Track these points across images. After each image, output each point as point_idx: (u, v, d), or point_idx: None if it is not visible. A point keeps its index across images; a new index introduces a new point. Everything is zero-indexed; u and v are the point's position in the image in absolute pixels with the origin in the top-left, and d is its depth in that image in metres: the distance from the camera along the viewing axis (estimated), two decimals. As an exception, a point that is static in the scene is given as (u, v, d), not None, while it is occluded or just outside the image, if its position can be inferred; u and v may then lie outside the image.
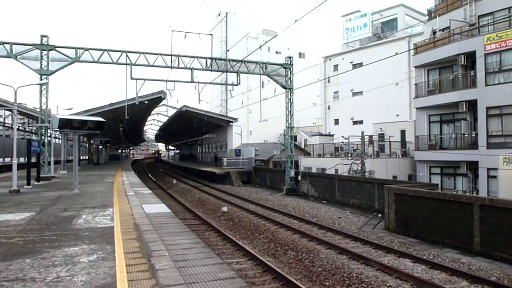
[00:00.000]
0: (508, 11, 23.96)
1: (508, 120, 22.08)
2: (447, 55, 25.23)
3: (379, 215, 19.26)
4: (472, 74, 23.97)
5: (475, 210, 12.19)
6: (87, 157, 57.02)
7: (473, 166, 23.58)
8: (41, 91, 23.91)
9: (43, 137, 24.61)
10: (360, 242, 13.58)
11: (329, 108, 51.61)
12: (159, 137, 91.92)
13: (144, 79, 26.52)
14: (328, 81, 49.87)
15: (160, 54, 25.99)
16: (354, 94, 47.60)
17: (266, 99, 32.55)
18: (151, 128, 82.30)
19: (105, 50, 25.00)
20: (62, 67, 24.15)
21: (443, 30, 27.19)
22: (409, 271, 10.13)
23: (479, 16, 25.27)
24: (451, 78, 25.61)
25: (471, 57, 23.90)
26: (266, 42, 28.93)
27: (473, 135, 23.95)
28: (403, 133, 32.53)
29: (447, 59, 25.52)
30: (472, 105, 23.61)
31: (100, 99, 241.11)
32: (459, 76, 24.73)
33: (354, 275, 9.72)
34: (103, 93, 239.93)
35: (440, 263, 10.85)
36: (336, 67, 50.19)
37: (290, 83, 29.43)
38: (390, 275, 9.83)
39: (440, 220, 13.54)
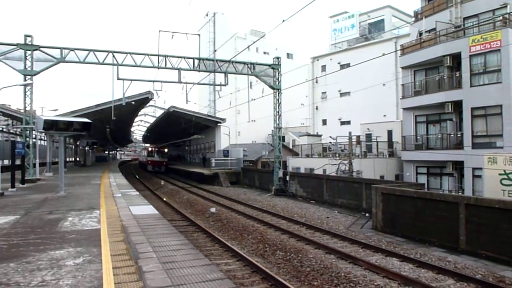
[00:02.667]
0: (492, 13, 24.33)
1: (492, 121, 22.41)
2: (433, 56, 25.51)
3: (367, 214, 19.39)
4: (457, 75, 24.28)
5: (460, 209, 12.34)
6: (73, 159, 56.42)
7: (458, 166, 23.88)
8: (25, 92, 23.56)
9: (27, 138, 24.26)
10: (348, 242, 13.65)
11: (317, 108, 51.81)
12: (146, 138, 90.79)
13: (131, 80, 26.35)
14: (316, 82, 50.07)
15: (147, 55, 25.82)
16: (342, 94, 47.86)
17: (254, 99, 32.58)
18: (138, 129, 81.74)
19: (91, 50, 24.75)
20: (47, 68, 23.84)
21: (429, 31, 27.50)
22: (396, 270, 10.21)
23: (465, 18, 25.62)
24: (437, 79, 25.90)
25: (456, 58, 24.20)
26: (253, 42, 28.91)
27: (459, 135, 24.25)
28: (390, 133, 32.82)
29: (433, 60, 25.80)
30: (457, 105, 23.91)
31: (86, 100, 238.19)
32: (445, 77, 25.03)
33: (342, 274, 9.75)
34: (89, 94, 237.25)
35: (427, 261, 10.95)
36: (324, 67, 50.41)
37: (278, 83, 29.49)
38: (378, 274, 9.89)
39: (427, 219, 13.68)
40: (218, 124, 45.30)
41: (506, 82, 21.72)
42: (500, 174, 13.57)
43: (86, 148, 57.41)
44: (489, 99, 22.25)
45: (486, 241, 11.53)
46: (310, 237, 14.12)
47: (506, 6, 23.33)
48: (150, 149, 61.74)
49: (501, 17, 23.02)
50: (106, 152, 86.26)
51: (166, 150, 60.56)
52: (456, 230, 12.41)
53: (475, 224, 11.92)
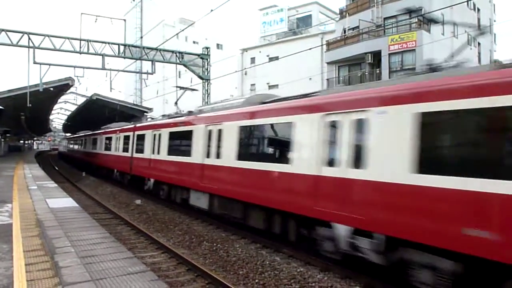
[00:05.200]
0: (409, 15, 26.10)
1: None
2: (356, 53, 26.88)
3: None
4: (378, 71, 25.79)
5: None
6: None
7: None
8: None
9: None
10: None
11: (246, 100, 52.29)
12: (67, 127, 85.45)
13: (49, 64, 24.73)
14: (245, 74, 50.42)
15: (68, 38, 24.39)
16: (270, 87, 48.61)
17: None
18: (58, 117, 76.89)
19: (3, 30, 22.82)
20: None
21: (353, 29, 28.85)
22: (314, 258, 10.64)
23: (385, 18, 27.23)
24: (359, 75, 27.32)
25: (377, 56, 25.71)
26: (182, 30, 28.52)
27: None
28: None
29: (356, 57, 27.20)
30: (377, 100, 25.38)
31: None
32: (367, 73, 26.47)
33: (267, 262, 10.00)
34: (0, 78, 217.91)
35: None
36: (253, 59, 50.88)
37: (207, 73, 29.30)
38: (300, 261, 10.25)
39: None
40: (145, 113, 43.96)
41: (419, 80, 23.48)
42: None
43: (-2, 137, 52.96)
44: (404, 96, 23.90)
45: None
46: (236, 227, 14.25)
47: (421, 9, 25.13)
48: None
49: (416, 19, 24.78)
50: (21, 141, 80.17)
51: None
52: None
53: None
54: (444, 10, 24.11)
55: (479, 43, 34.31)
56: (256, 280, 8.91)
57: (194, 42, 66.87)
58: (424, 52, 23.68)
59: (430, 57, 24.20)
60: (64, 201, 12.27)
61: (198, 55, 29.32)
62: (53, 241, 7.18)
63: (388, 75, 24.84)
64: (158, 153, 18.89)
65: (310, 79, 41.66)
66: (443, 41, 25.74)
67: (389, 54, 24.99)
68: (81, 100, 48.88)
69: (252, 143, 12.60)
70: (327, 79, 30.40)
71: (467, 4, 30.91)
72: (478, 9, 34.17)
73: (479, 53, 34.56)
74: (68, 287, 5.02)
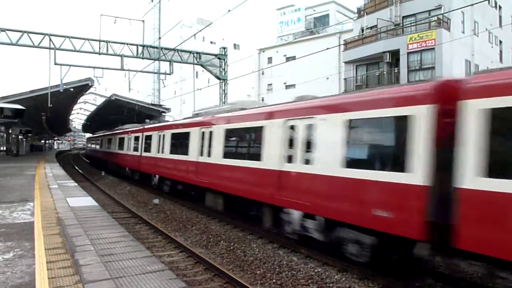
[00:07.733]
0: (428, 13, 25.69)
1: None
2: (374, 52, 26.57)
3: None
4: (396, 71, 25.45)
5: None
6: (4, 148, 53.04)
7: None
8: (-51, 75, 21.75)
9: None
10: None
11: (263, 100, 52.09)
12: (86, 127, 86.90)
13: (70, 65, 25.14)
14: (262, 74, 50.39)
15: (88, 39, 24.75)
16: (287, 87, 48.48)
17: (200, 89, 32.19)
18: (77, 117, 78.18)
19: (25, 32, 23.28)
20: (-25, 49, 22.17)
21: (371, 28, 28.54)
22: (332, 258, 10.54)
23: (403, 17, 26.87)
24: (377, 74, 27.00)
25: (395, 55, 25.37)
26: (199, 31, 28.58)
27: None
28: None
29: (374, 56, 26.88)
30: (395, 100, 25.06)
31: (19, 85, 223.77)
32: (385, 72, 26.15)
33: (284, 262, 9.96)
34: (23, 79, 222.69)
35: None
36: (270, 59, 50.83)
37: (225, 74, 29.39)
38: (318, 261, 10.18)
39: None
40: (163, 113, 44.33)
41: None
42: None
43: (20, 137, 54.12)
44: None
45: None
46: (252, 227, 14.22)
47: (441, 8, 24.72)
48: None
49: (435, 18, 24.37)
50: (42, 141, 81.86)
51: None
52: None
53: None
54: (465, 8, 23.67)
55: (500, 41, 33.55)
56: (274, 280, 8.88)
57: (211, 42, 67.19)
58: (443, 51, 23.29)
59: (450, 55, 23.83)
60: (84, 200, 12.45)
61: (216, 55, 29.46)
62: (73, 239, 7.29)
63: (407, 74, 24.51)
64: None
65: (327, 78, 41.37)
66: (463, 39, 25.27)
67: (408, 53, 24.64)
68: (100, 100, 49.63)
69: None
70: (345, 79, 30.15)
71: (488, 1, 30.27)
72: (500, 7, 33.41)
73: (500, 52, 33.79)
74: (89, 285, 5.09)
